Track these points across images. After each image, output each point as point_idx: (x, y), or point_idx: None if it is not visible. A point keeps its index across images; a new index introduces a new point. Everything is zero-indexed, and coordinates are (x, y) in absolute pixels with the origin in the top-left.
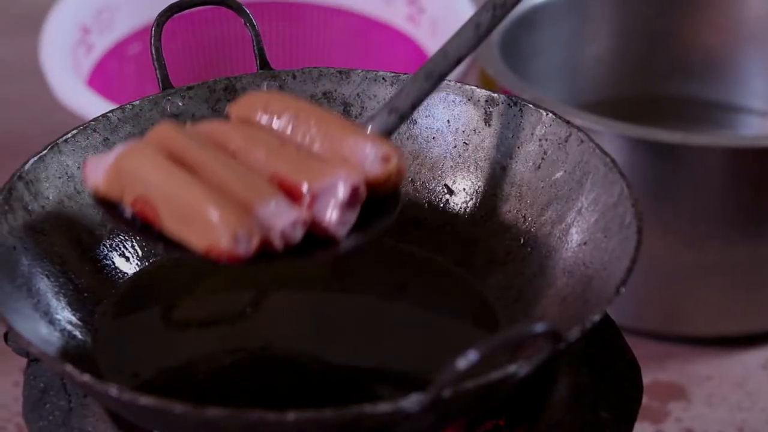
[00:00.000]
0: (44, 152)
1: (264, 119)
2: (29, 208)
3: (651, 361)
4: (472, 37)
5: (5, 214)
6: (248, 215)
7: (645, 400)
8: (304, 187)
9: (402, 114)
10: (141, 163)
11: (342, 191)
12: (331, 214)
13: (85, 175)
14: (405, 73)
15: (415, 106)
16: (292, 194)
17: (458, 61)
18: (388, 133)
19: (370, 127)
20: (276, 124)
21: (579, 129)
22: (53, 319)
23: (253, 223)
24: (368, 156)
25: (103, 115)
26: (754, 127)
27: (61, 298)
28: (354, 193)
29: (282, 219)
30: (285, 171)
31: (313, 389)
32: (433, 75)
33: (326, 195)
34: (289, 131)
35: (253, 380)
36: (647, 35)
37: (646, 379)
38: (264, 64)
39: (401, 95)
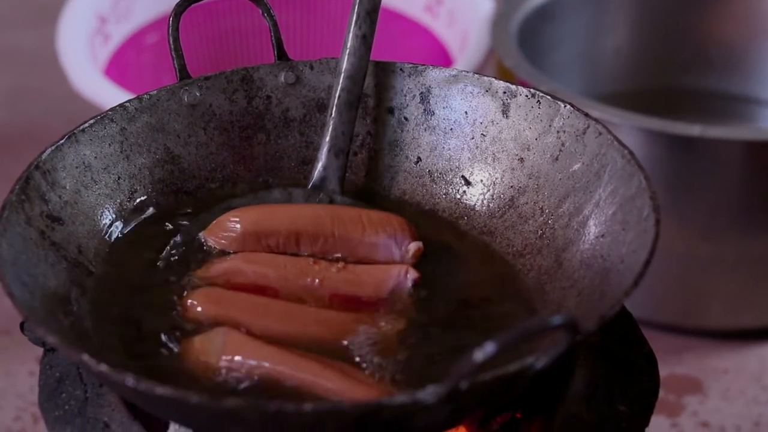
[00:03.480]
0: (61, 142)
1: (266, 242)
2: (46, 197)
3: (667, 354)
4: (365, 51)
5: (22, 204)
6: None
7: (661, 393)
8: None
9: (347, 151)
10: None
11: (409, 280)
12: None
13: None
14: (422, 64)
15: (352, 138)
16: (362, 304)
17: (363, 80)
18: (344, 174)
19: (328, 178)
20: (281, 243)
21: (597, 121)
22: (70, 309)
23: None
24: (402, 253)
25: (121, 105)
26: None
27: (78, 286)
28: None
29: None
30: (345, 289)
31: None
32: (353, 103)
33: (395, 291)
34: (301, 246)
35: None
36: (666, 28)
37: (663, 372)
38: (281, 55)
39: (338, 135)
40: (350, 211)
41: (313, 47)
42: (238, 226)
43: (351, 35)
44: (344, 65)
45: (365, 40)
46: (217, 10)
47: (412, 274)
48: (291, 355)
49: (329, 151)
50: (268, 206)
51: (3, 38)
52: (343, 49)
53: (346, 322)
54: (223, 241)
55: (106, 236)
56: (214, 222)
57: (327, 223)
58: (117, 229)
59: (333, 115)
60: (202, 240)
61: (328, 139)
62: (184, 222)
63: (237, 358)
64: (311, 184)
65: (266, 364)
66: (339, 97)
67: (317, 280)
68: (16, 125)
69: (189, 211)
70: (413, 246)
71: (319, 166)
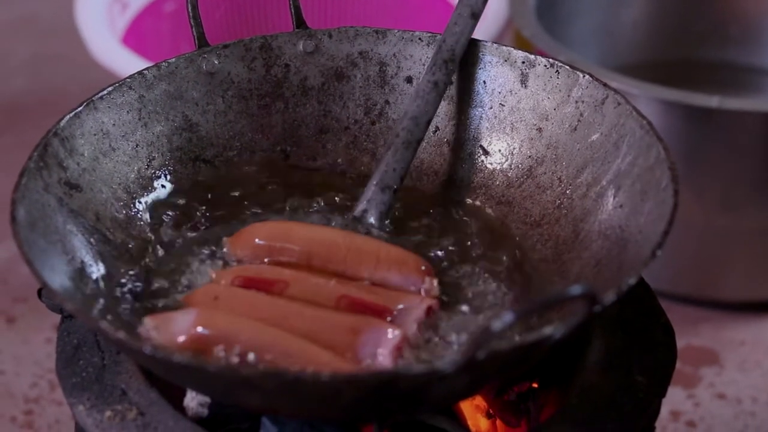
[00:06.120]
0: (80, 109)
1: (279, 258)
2: (64, 164)
3: (684, 325)
4: (435, 97)
5: (40, 171)
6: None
7: (678, 364)
8: (388, 309)
9: (395, 189)
10: (232, 323)
11: (421, 311)
12: (411, 328)
13: (157, 337)
14: (440, 34)
15: (403, 178)
16: (369, 310)
17: (428, 124)
18: (388, 210)
19: (370, 211)
20: (294, 260)
21: (616, 91)
22: (86, 276)
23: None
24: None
25: (139, 73)
26: None
27: (96, 254)
28: (429, 312)
29: (389, 342)
30: (355, 293)
31: None
32: (411, 144)
33: (405, 313)
34: (313, 267)
35: None
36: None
37: (680, 343)
38: (300, 23)
39: (389, 171)
40: (370, 243)
41: (332, 16)
42: (255, 238)
43: (423, 79)
44: (412, 106)
45: (436, 87)
46: None
47: (427, 303)
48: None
49: (376, 185)
50: (288, 223)
51: (22, 6)
52: (415, 91)
53: (349, 322)
54: (239, 251)
55: (124, 204)
56: (238, 232)
57: (341, 251)
58: (135, 197)
59: (389, 151)
60: (224, 248)
61: (377, 173)
62: (202, 194)
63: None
64: (352, 215)
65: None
66: (398, 135)
67: (331, 282)
68: (35, 93)
69: (205, 180)
70: (430, 289)
71: (364, 198)
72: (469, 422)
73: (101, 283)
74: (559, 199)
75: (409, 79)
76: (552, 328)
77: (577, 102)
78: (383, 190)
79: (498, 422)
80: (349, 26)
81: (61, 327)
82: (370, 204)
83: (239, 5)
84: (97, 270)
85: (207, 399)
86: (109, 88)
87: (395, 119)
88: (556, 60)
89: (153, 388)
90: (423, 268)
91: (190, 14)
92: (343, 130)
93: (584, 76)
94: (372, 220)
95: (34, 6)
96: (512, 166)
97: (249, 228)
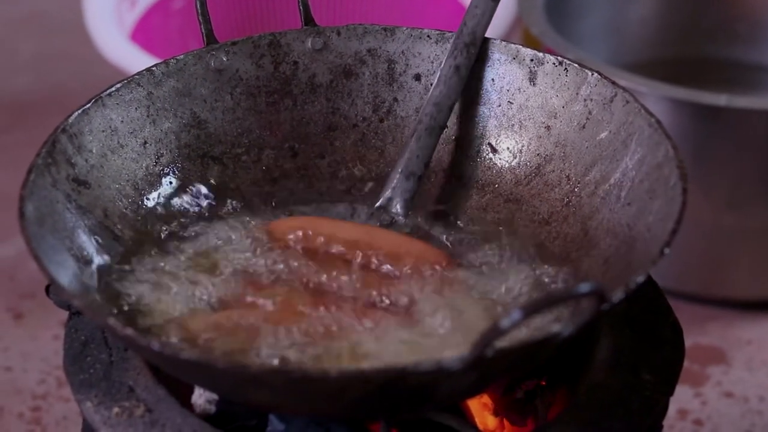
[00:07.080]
0: (88, 106)
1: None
2: (73, 161)
3: (692, 324)
4: (457, 81)
5: (48, 167)
6: None
7: (685, 363)
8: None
9: (419, 176)
10: None
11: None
12: None
13: None
14: (449, 31)
15: (427, 164)
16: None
17: (450, 110)
18: (412, 198)
19: (395, 200)
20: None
21: (624, 89)
22: (94, 272)
23: None
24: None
25: (147, 69)
26: None
27: (104, 250)
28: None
29: None
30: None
31: None
32: (435, 129)
33: None
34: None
35: None
36: None
37: (687, 342)
38: (308, 20)
39: (412, 158)
40: (390, 246)
41: (340, 13)
42: (284, 233)
43: (445, 64)
44: (434, 92)
45: (458, 71)
46: None
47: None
48: None
49: (401, 173)
50: (313, 221)
51: (29, 2)
52: (437, 77)
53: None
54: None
55: (132, 200)
56: (269, 225)
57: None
58: (143, 194)
59: (413, 138)
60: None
61: (402, 161)
62: (211, 193)
63: None
64: (378, 204)
65: None
66: (421, 122)
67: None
68: (42, 89)
69: (215, 179)
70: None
71: (389, 186)
72: (476, 420)
73: (109, 278)
74: (568, 197)
75: (417, 77)
76: (560, 326)
77: (585, 100)
78: (408, 177)
79: (505, 420)
80: (357, 24)
81: (69, 323)
82: (395, 192)
83: (248, 2)
84: (104, 265)
85: (215, 396)
86: (118, 85)
87: (403, 117)
88: (564, 58)
89: (160, 384)
90: (444, 264)
91: (199, 11)
92: (352, 127)
93: (593, 74)
94: (397, 208)
95: (40, 3)
96: (520, 164)
97: (277, 223)
